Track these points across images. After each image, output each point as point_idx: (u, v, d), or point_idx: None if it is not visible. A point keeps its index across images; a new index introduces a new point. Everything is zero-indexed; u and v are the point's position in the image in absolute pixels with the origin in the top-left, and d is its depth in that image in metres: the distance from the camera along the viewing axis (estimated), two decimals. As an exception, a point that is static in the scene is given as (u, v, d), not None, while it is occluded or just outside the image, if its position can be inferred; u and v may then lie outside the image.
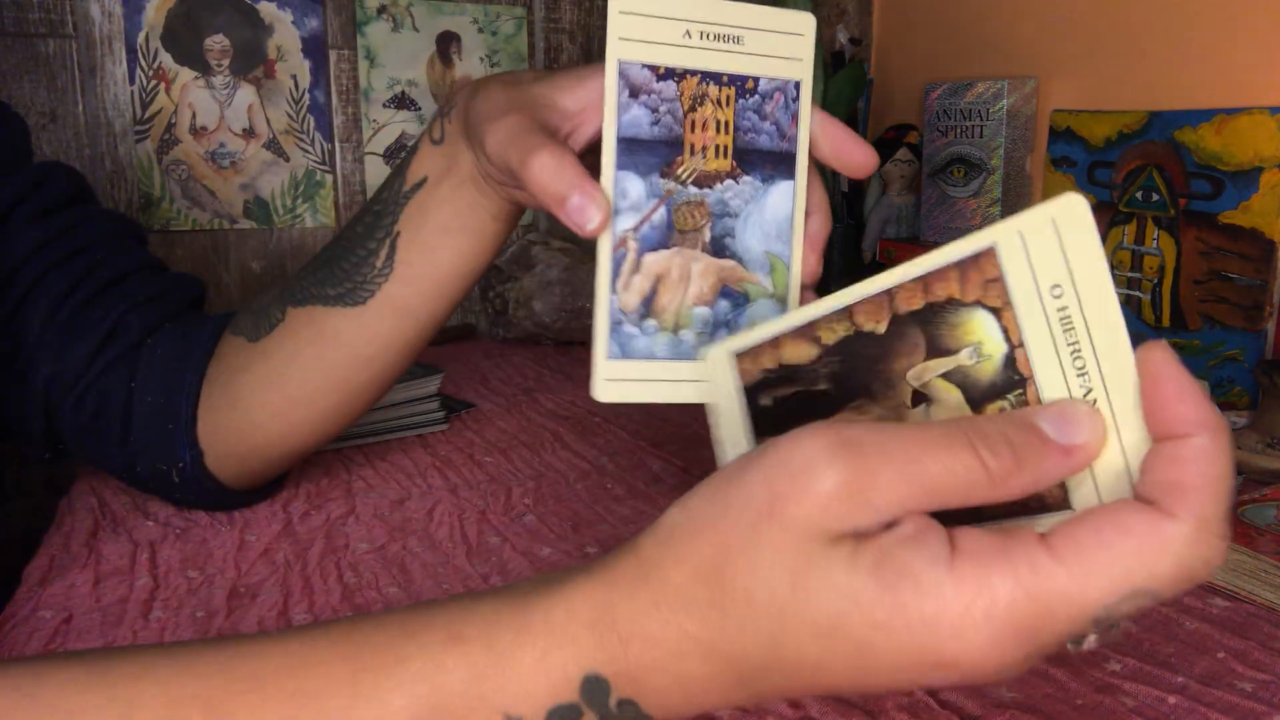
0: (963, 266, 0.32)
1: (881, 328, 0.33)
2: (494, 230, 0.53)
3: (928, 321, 0.33)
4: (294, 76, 1.10)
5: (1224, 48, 0.93)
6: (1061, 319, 0.31)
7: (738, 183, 0.43)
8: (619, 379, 0.41)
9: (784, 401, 0.35)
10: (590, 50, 1.24)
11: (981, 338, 0.32)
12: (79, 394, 0.59)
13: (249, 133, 1.09)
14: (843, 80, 1.11)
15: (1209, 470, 0.26)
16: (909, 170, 1.25)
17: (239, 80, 1.08)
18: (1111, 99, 1.04)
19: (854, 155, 0.44)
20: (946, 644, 0.26)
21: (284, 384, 0.57)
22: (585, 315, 1.13)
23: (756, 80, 0.43)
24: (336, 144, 1.14)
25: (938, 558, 0.26)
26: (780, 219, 0.44)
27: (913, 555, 0.26)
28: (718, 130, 0.42)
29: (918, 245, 1.14)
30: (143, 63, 1.03)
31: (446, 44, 1.18)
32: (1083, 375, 0.30)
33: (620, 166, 0.41)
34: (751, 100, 0.43)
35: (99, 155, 1.03)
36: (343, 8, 1.11)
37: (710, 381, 0.36)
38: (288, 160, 1.12)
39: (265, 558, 0.58)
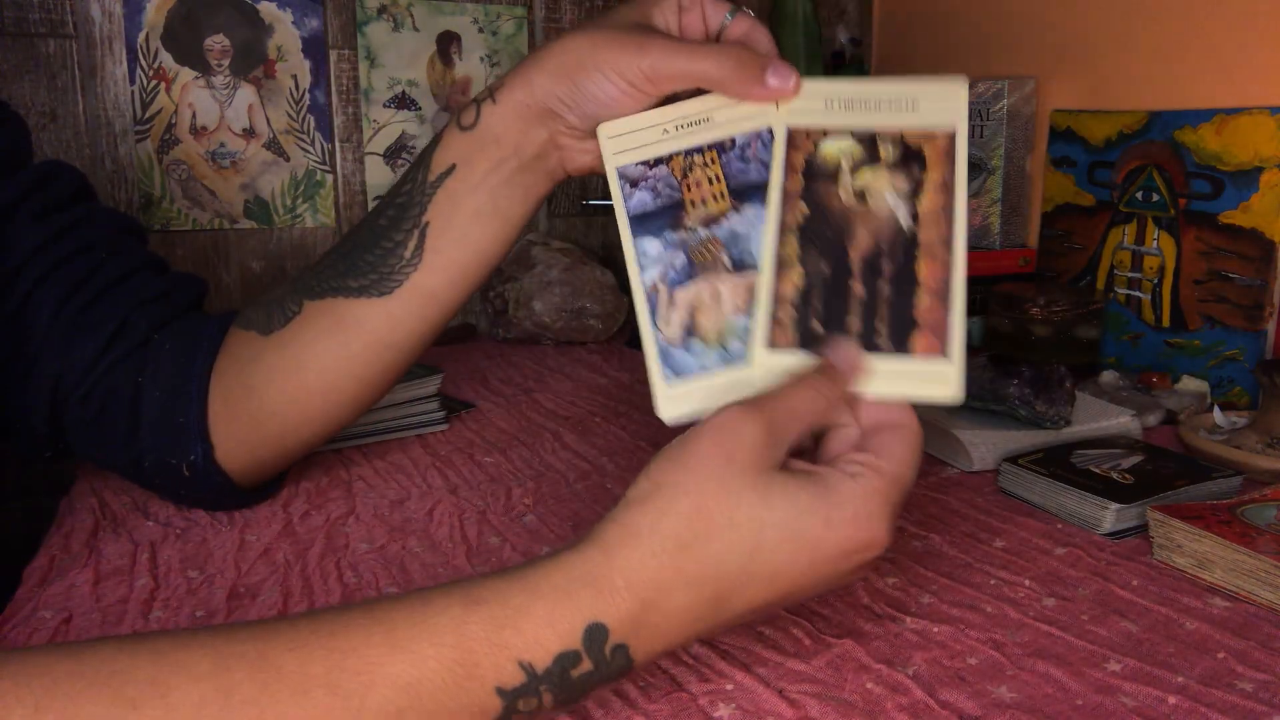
0: (791, 144, 0.48)
1: (806, 209, 0.48)
2: (524, 212, 0.55)
3: (814, 176, 0.48)
4: (294, 76, 1.10)
5: (1224, 48, 0.93)
6: (845, 106, 0.49)
7: (740, 214, 0.49)
8: (680, 396, 0.47)
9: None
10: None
11: (836, 149, 0.48)
12: (85, 391, 0.59)
13: (249, 133, 1.09)
14: (843, 80, 1.12)
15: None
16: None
17: (239, 80, 1.08)
18: (1111, 99, 1.04)
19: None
20: (864, 528, 0.39)
21: (302, 372, 0.57)
22: (585, 315, 1.13)
23: (733, 139, 0.49)
24: (337, 144, 1.14)
25: (839, 477, 0.40)
26: None
27: (827, 478, 0.40)
28: (712, 183, 0.49)
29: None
30: (143, 63, 1.03)
31: (447, 44, 1.18)
32: (879, 107, 0.48)
33: (636, 235, 0.49)
34: (733, 153, 0.49)
35: (99, 155, 1.03)
36: (343, 8, 1.11)
37: (764, 375, 0.45)
38: (288, 160, 1.12)
39: (265, 557, 0.58)
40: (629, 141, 0.50)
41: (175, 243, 1.07)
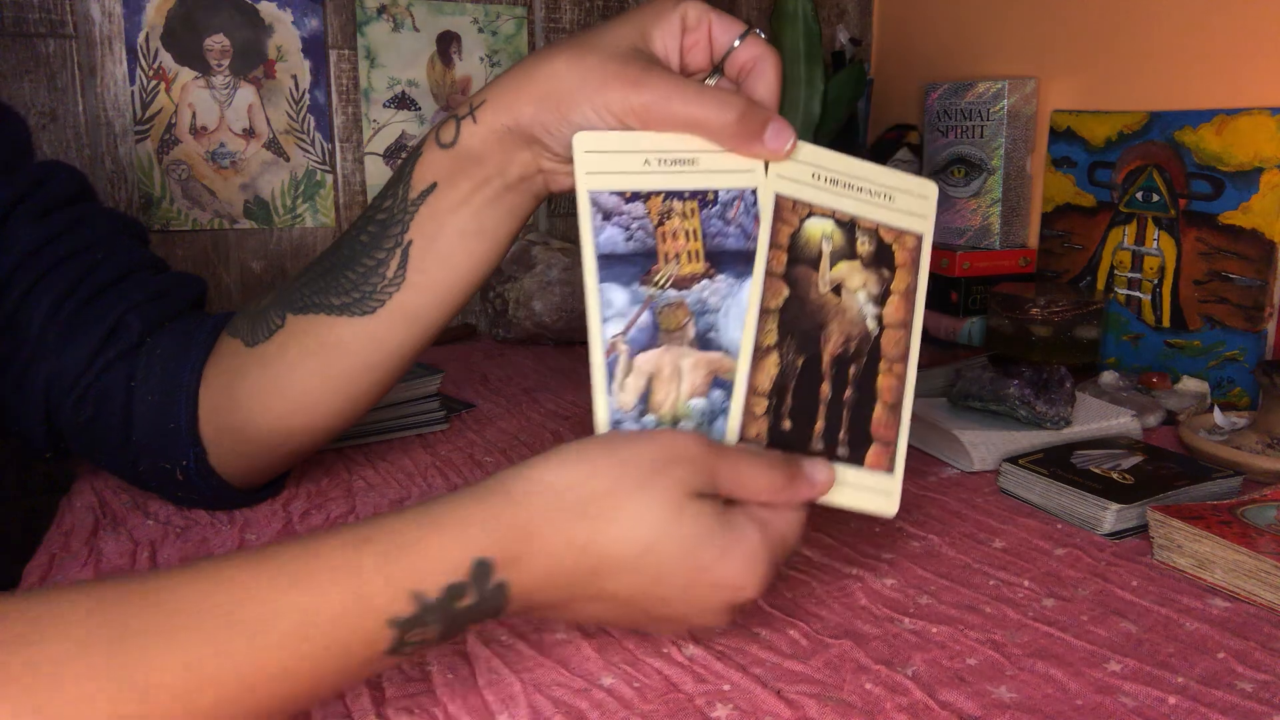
0: (777, 216, 0.47)
1: (786, 291, 0.47)
2: (509, 230, 0.53)
3: (797, 259, 0.47)
4: (294, 76, 1.10)
5: (1224, 48, 0.93)
6: (831, 181, 0.48)
7: (713, 281, 0.47)
8: None
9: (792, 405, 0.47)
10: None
11: (820, 232, 0.48)
12: (79, 394, 0.59)
13: (249, 133, 1.09)
14: (843, 80, 1.11)
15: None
16: (909, 170, 1.25)
17: (239, 80, 1.08)
18: (1111, 99, 1.04)
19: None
20: (747, 570, 0.41)
21: (284, 390, 0.56)
22: (585, 315, 1.13)
23: (716, 192, 0.47)
24: (337, 144, 1.14)
25: (746, 520, 0.42)
26: None
27: (736, 518, 0.42)
28: (687, 238, 0.47)
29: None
30: (143, 63, 1.03)
31: (447, 44, 1.18)
32: (861, 190, 0.48)
33: (602, 279, 0.45)
34: (714, 209, 0.47)
35: (99, 155, 1.03)
36: (343, 8, 1.11)
37: None
38: (288, 160, 1.12)
39: (265, 557, 0.58)
40: (606, 163, 0.47)
41: (175, 243, 1.08)
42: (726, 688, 0.44)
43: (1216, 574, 0.53)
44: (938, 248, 1.13)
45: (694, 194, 0.47)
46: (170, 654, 0.32)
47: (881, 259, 0.48)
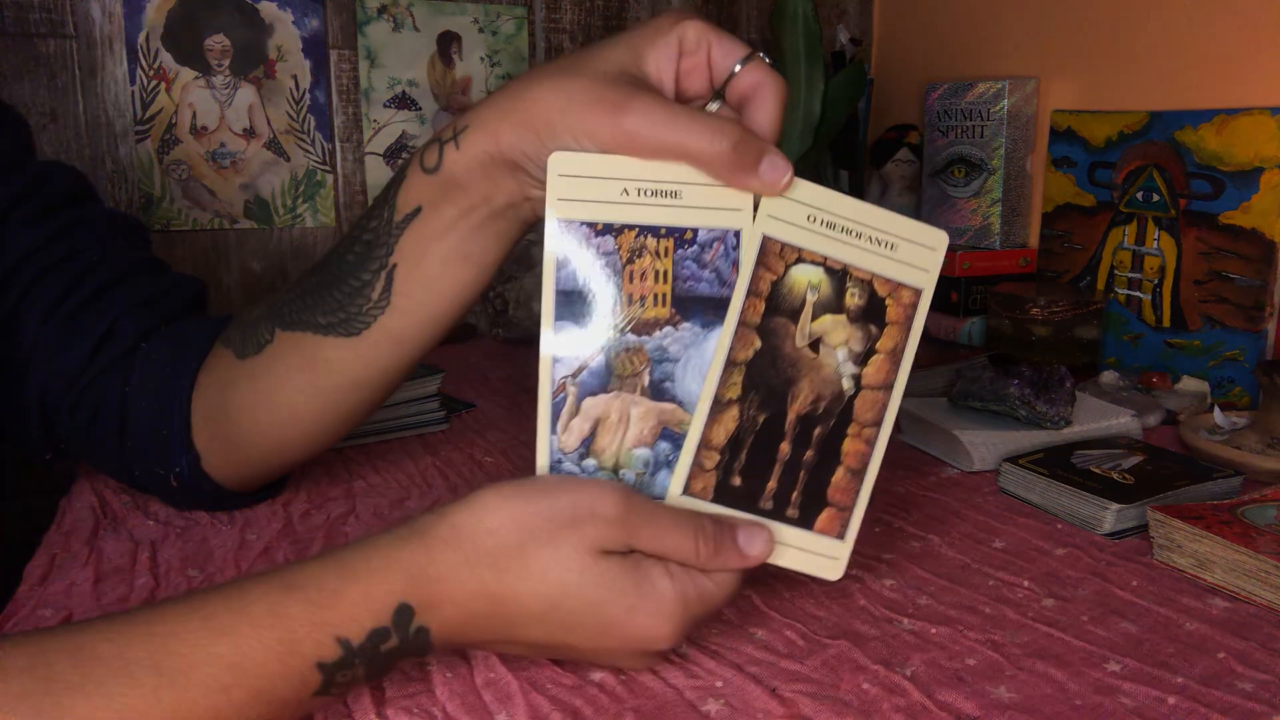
0: (761, 261, 0.44)
1: (758, 343, 0.45)
2: (497, 257, 0.51)
3: (776, 309, 0.45)
4: (294, 76, 1.10)
5: (1224, 48, 0.93)
6: (828, 225, 0.44)
7: (676, 329, 0.44)
8: None
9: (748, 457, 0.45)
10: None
11: (805, 281, 0.45)
12: (74, 398, 0.59)
13: (249, 133, 1.09)
14: (843, 80, 1.11)
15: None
16: (909, 170, 1.25)
17: (239, 80, 1.08)
18: (1111, 99, 1.04)
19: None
20: (657, 625, 0.42)
21: (274, 404, 0.56)
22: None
23: (695, 231, 0.44)
24: (337, 144, 1.14)
25: (660, 574, 0.42)
26: None
27: (649, 572, 0.42)
28: (656, 279, 0.44)
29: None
30: (143, 63, 1.03)
31: (447, 44, 1.18)
32: (860, 237, 0.45)
33: (559, 317, 0.44)
34: (690, 250, 0.44)
35: (99, 155, 1.03)
36: (343, 8, 1.11)
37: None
38: (288, 160, 1.12)
39: (265, 557, 0.58)
40: (581, 189, 0.43)
41: (175, 243, 1.08)
42: (719, 684, 0.44)
43: (1216, 574, 0.53)
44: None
45: (671, 231, 0.44)
46: (102, 702, 0.33)
47: (871, 314, 0.45)
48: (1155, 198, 0.95)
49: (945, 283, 1.10)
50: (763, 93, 0.45)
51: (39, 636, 0.35)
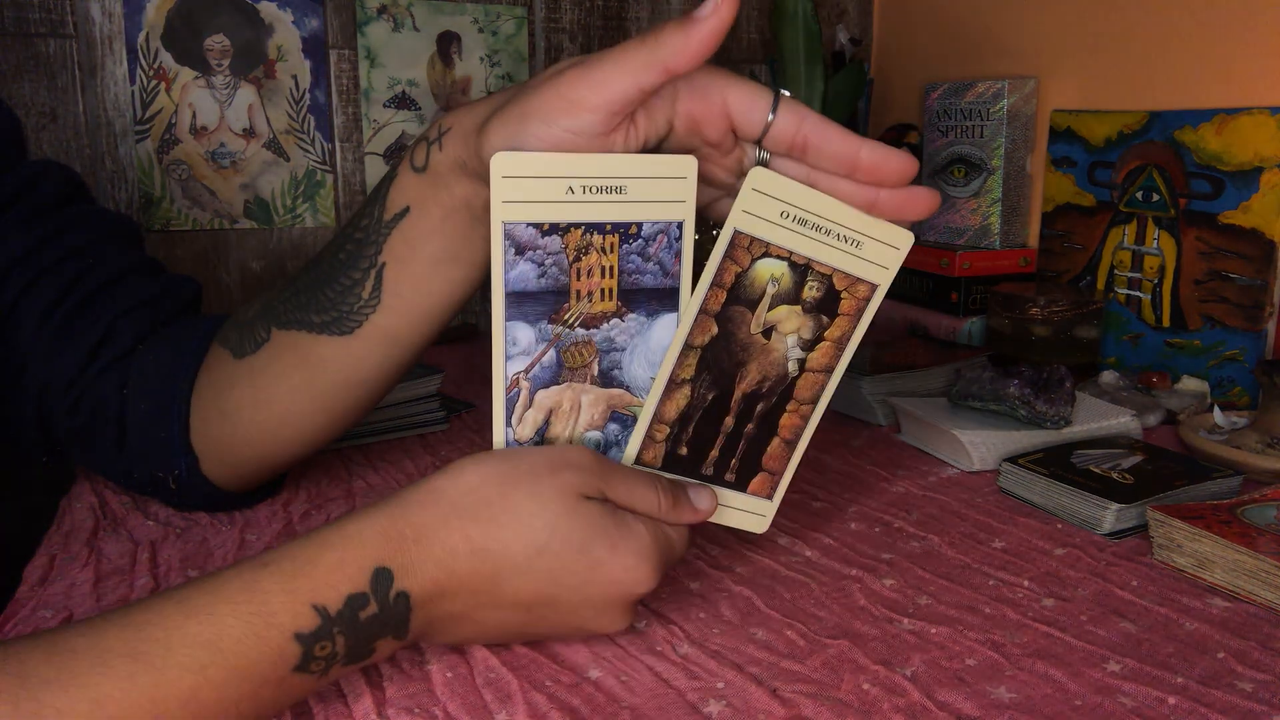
0: (729, 254, 0.45)
1: (715, 329, 0.46)
2: (486, 257, 0.51)
3: (737, 299, 0.46)
4: (294, 76, 1.10)
5: (1224, 48, 0.93)
6: (799, 221, 0.45)
7: (623, 320, 0.46)
8: None
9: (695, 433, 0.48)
10: (591, 52, 1.24)
11: (768, 274, 0.46)
12: (72, 401, 0.58)
13: (249, 132, 1.09)
14: (843, 80, 1.11)
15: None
16: (909, 170, 1.25)
17: (239, 80, 1.08)
18: (1111, 99, 1.04)
19: (889, 167, 0.44)
20: (640, 564, 0.43)
21: (270, 403, 0.56)
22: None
23: (640, 225, 0.45)
24: (337, 144, 1.14)
25: (634, 519, 0.44)
26: (664, 348, 0.47)
27: (625, 516, 0.44)
28: (603, 275, 0.45)
29: (918, 245, 1.14)
30: (143, 63, 1.03)
31: (447, 44, 1.18)
32: (829, 234, 0.45)
33: (510, 318, 0.45)
34: (635, 244, 0.45)
35: (99, 155, 1.03)
36: (343, 8, 1.11)
37: None
38: (288, 160, 1.12)
39: (265, 557, 0.58)
40: (526, 190, 0.43)
41: (175, 243, 1.08)
42: (720, 685, 0.44)
43: (1216, 574, 0.53)
44: (939, 248, 1.13)
45: (616, 227, 0.45)
46: (77, 692, 0.33)
47: (825, 306, 0.47)
48: (1155, 197, 0.95)
49: (945, 283, 1.10)
50: (821, 134, 0.44)
51: (13, 640, 0.35)
